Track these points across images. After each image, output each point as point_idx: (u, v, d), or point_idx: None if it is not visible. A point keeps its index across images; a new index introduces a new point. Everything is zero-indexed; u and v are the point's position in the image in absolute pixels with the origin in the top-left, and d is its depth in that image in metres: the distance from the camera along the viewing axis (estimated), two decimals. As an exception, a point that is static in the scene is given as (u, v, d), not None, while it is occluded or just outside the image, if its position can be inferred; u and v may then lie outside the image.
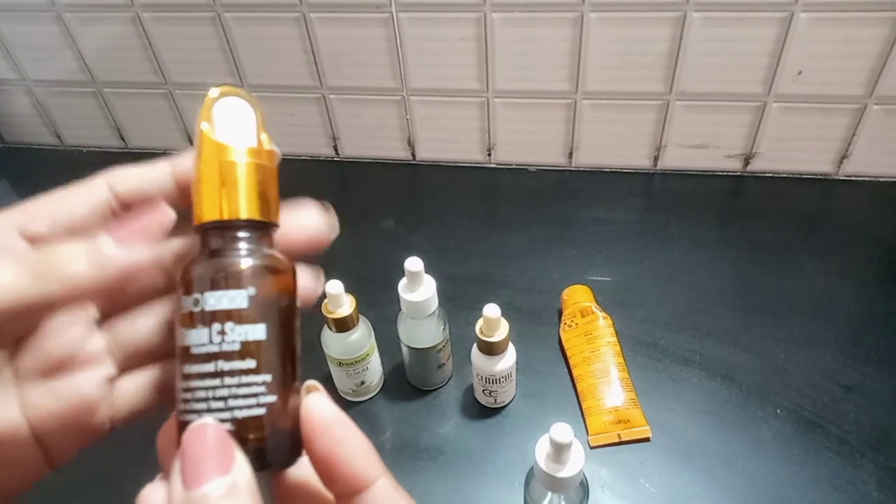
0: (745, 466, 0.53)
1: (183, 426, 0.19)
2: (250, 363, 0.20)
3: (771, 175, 0.83)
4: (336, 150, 0.92)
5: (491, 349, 0.53)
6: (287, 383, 0.21)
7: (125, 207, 0.22)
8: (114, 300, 0.23)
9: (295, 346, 0.22)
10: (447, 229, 0.79)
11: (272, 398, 0.20)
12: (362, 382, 0.59)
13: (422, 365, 0.59)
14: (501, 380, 0.56)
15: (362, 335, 0.56)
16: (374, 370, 0.60)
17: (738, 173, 0.84)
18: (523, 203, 0.83)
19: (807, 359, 0.61)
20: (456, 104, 0.83)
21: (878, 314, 0.64)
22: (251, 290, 0.20)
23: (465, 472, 0.55)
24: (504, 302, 0.65)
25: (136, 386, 0.23)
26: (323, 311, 0.54)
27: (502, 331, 0.53)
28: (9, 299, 0.18)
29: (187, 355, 0.20)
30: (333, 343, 0.56)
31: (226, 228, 0.21)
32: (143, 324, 0.23)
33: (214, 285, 0.20)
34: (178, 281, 0.21)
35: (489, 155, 0.88)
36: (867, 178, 0.81)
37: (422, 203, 0.87)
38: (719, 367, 0.61)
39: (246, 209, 0.21)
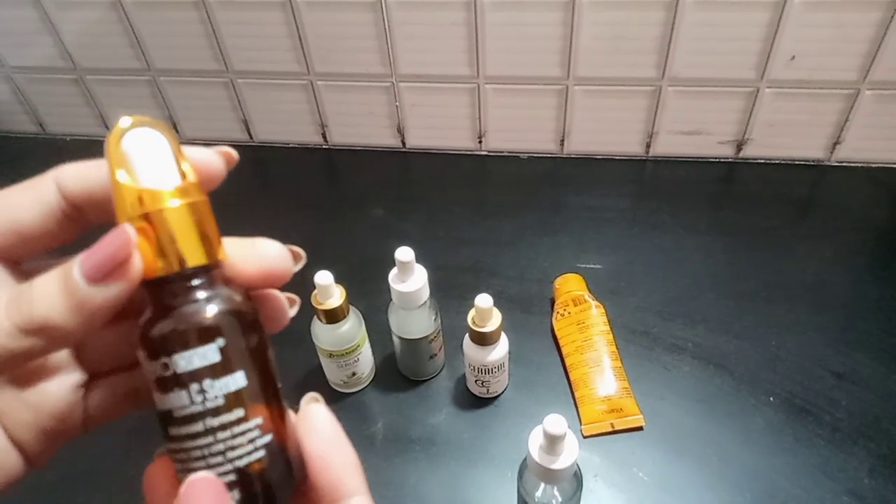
0: (738, 454, 0.53)
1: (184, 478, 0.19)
2: (239, 413, 0.19)
3: (763, 161, 0.82)
4: (324, 137, 0.91)
5: (483, 339, 0.53)
6: (276, 414, 0.21)
7: (76, 210, 0.20)
8: None
9: (273, 374, 0.21)
10: (438, 217, 0.79)
11: (268, 438, 0.20)
12: (353, 374, 0.58)
13: (413, 355, 0.59)
14: (494, 370, 0.55)
15: (353, 326, 0.55)
16: (365, 361, 0.59)
17: (730, 159, 0.83)
18: (514, 190, 0.83)
19: (799, 346, 0.61)
20: (446, 90, 0.82)
21: (870, 300, 0.64)
22: (220, 342, 0.19)
23: (458, 463, 0.54)
24: (496, 291, 0.65)
25: (107, 392, 0.22)
26: (312, 303, 0.53)
27: (495, 321, 0.52)
28: None
29: (171, 418, 0.19)
30: (323, 334, 0.55)
31: (174, 281, 0.19)
32: (112, 331, 0.22)
33: (180, 345, 0.19)
34: (138, 345, 0.20)
35: (480, 142, 0.87)
36: (860, 164, 0.80)
37: (412, 191, 0.86)
38: (712, 355, 0.61)
39: (191, 257, 0.19)
